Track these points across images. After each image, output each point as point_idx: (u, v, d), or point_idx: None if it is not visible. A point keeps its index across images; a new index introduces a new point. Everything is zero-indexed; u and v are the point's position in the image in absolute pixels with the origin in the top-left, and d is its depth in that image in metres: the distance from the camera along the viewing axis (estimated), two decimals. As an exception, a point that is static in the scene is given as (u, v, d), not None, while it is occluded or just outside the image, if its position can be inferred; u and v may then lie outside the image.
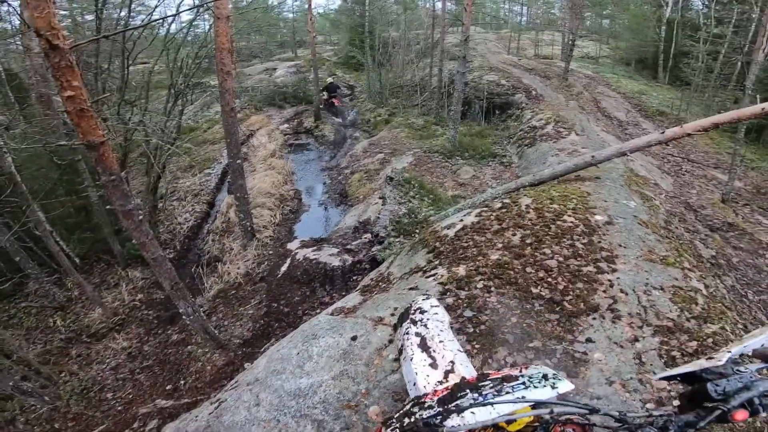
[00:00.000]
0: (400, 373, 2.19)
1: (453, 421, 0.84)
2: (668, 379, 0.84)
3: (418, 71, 16.53)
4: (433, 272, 4.11)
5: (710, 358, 0.85)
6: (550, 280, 3.78)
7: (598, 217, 4.50)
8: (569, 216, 4.46)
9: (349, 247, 7.21)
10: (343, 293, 5.97)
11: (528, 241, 4.11)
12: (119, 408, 5.18)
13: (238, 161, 7.27)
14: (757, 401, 0.76)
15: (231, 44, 6.41)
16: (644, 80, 16.52)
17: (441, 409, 0.87)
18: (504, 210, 4.78)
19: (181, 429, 3.62)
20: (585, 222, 4.38)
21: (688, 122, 5.85)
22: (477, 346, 3.35)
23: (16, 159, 6.52)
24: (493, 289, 3.68)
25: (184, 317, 5.24)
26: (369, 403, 3.04)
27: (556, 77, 14.56)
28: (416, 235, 6.73)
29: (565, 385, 0.94)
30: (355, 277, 6.41)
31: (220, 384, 4.97)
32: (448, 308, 3.67)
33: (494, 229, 4.44)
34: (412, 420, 0.90)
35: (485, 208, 5.02)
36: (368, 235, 7.42)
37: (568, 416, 1.00)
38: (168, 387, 5.33)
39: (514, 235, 4.26)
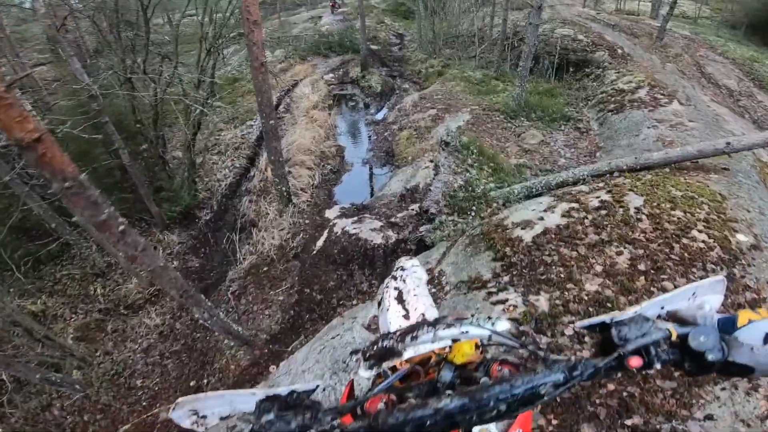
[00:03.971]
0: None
1: (407, 345, 0.97)
2: (587, 328, 0.82)
3: (477, 21, 14.61)
4: (502, 296, 3.16)
5: (623, 311, 0.82)
6: (670, 326, 2.76)
7: (740, 237, 3.26)
8: (699, 232, 3.27)
9: (393, 220, 6.38)
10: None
11: (641, 267, 3.01)
12: (144, 403, 4.98)
13: (272, 122, 6.43)
14: (653, 351, 0.70)
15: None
16: (755, 47, 14.08)
17: (400, 339, 1.01)
18: (603, 211, 3.64)
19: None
20: (723, 243, 3.17)
21: None
22: (555, 421, 2.50)
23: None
24: (587, 339, 2.72)
25: (201, 322, 4.68)
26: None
27: (646, 36, 12.57)
28: (472, 212, 5.79)
29: (503, 324, 0.99)
30: (399, 259, 5.63)
31: (243, 388, 4.57)
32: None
33: (589, 241, 3.35)
34: (374, 348, 1.03)
35: (575, 204, 3.89)
36: (416, 206, 6.53)
37: (504, 357, 1.16)
38: (192, 384, 5.04)
39: (619, 253, 3.16)
